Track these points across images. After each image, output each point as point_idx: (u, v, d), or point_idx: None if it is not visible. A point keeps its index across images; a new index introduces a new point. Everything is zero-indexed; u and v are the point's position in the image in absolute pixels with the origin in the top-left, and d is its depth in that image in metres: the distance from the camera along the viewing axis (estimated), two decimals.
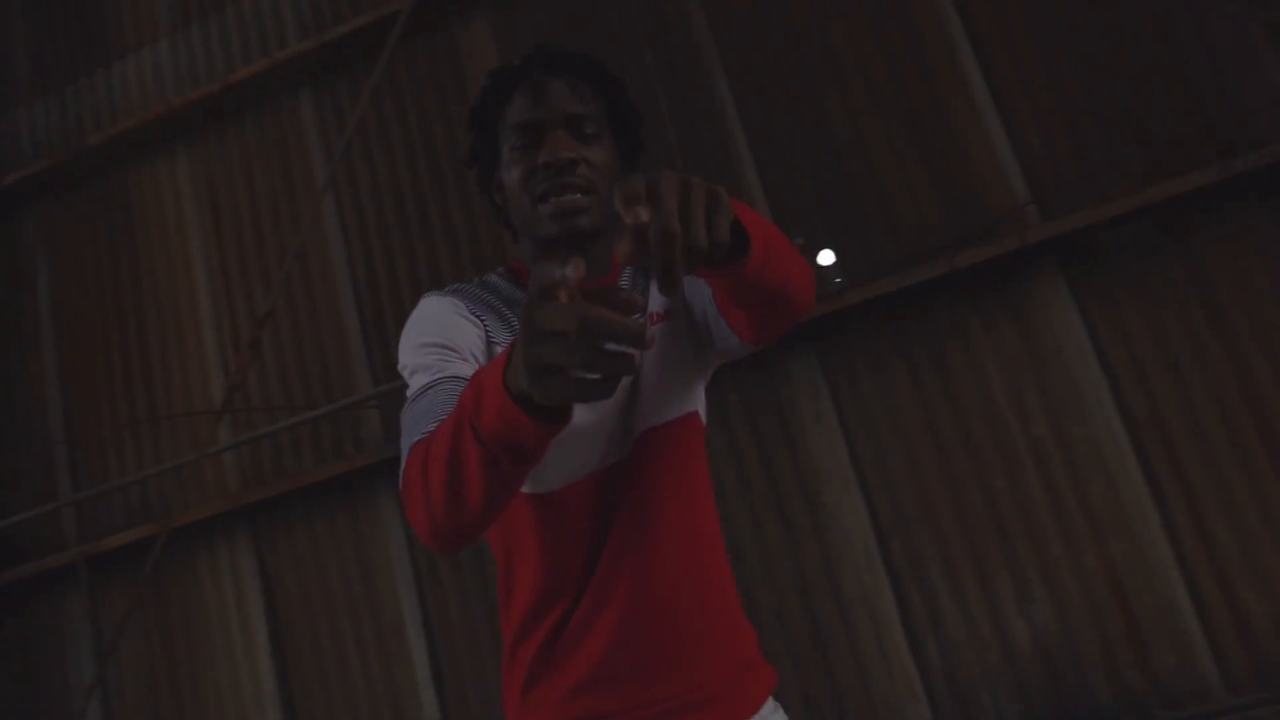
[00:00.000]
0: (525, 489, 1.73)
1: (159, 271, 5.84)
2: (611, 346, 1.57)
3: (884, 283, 4.45)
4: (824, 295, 4.56)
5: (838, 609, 4.45)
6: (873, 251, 4.67)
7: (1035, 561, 4.22)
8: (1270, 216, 4.23)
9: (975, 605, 4.31)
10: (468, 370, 1.71)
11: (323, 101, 5.69)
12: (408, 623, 5.03)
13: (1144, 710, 3.98)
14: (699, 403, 1.78)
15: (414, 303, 4.83)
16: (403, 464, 1.55)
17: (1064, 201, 4.43)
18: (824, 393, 4.61)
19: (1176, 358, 4.24)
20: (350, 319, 5.38)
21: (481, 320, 1.82)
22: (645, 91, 5.18)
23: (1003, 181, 4.51)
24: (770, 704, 1.71)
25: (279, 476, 5.32)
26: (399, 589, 5.07)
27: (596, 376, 1.09)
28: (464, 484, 1.37)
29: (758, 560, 4.56)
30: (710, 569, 1.74)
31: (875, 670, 4.35)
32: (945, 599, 4.34)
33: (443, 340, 1.77)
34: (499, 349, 1.78)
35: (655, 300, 1.80)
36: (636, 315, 1.42)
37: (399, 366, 1.80)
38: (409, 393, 1.72)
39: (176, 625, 5.37)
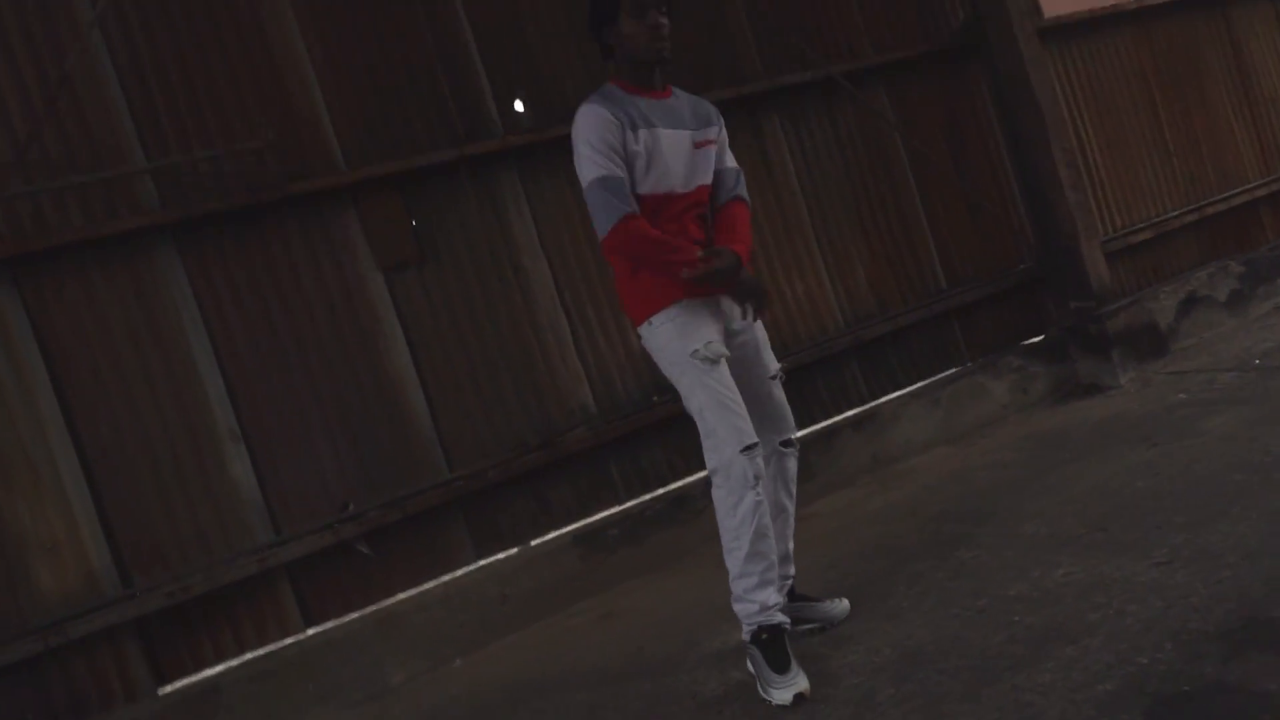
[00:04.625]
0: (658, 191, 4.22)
1: None
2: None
3: None
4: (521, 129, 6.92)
5: (534, 331, 6.90)
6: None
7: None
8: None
9: (610, 328, 7.13)
10: (622, 168, 3.98)
11: None
12: (196, 355, 5.99)
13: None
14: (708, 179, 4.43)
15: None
16: (612, 220, 3.93)
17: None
18: (523, 201, 6.97)
19: None
20: (117, 95, 5.99)
21: (618, 117, 4.02)
22: None
23: None
24: None
25: (42, 233, 5.70)
26: (186, 328, 5.98)
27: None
28: (661, 258, 4.07)
29: (490, 303, 6.76)
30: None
31: (558, 367, 6.90)
32: (594, 325, 7.08)
33: (610, 144, 3.97)
34: (626, 129, 4.00)
35: (706, 135, 4.40)
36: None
37: (575, 139, 4.09)
38: (591, 171, 3.98)
39: None
